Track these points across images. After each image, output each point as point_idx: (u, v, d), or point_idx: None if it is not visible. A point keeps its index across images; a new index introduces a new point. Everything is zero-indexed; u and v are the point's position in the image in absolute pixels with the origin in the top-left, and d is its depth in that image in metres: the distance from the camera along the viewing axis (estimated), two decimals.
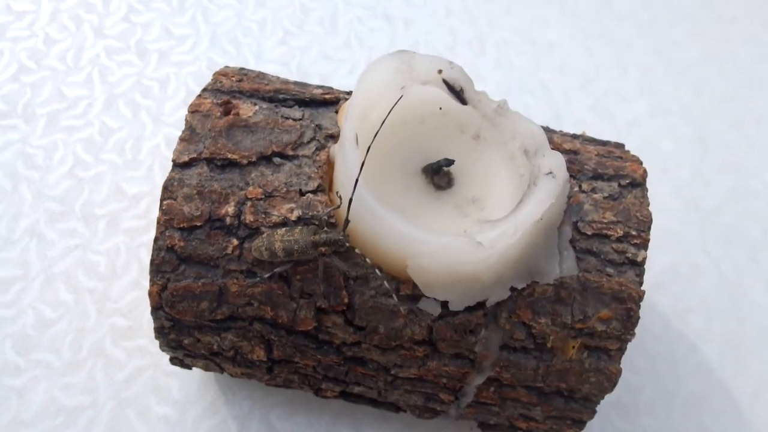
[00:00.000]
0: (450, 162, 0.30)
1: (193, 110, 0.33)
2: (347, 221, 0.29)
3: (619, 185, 0.33)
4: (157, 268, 0.31)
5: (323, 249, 0.29)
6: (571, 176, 0.33)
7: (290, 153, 0.32)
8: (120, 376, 0.42)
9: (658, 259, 0.47)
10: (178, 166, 0.32)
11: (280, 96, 0.34)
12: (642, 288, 0.31)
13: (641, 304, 0.30)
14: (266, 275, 0.30)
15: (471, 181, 0.31)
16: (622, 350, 0.31)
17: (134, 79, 0.52)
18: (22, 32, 0.53)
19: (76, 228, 0.46)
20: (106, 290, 0.44)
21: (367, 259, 0.30)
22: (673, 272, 0.48)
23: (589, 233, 0.31)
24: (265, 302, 0.31)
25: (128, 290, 0.44)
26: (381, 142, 0.30)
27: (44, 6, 0.54)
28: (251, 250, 0.31)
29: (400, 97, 0.29)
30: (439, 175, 0.31)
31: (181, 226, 0.31)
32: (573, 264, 0.31)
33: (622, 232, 0.31)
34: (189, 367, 0.38)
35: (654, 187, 0.39)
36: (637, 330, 0.31)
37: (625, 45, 0.58)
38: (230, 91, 0.34)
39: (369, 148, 0.28)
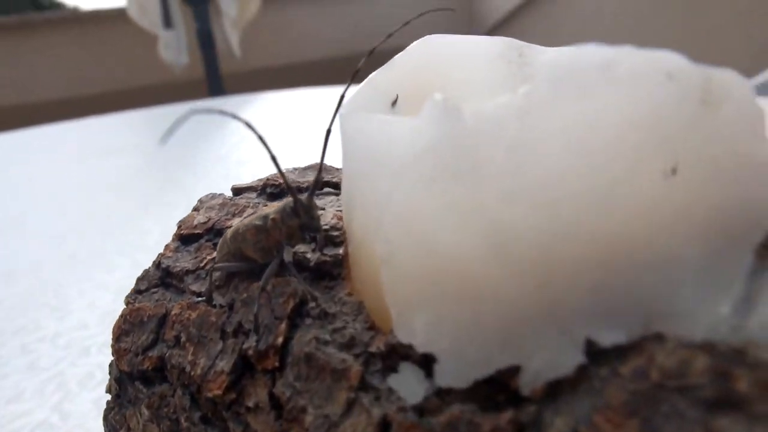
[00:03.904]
0: None
1: (294, 168, 0.27)
2: (317, 180, 0.18)
3: None
4: (137, 286, 0.23)
5: (274, 219, 0.18)
6: None
7: None
8: None
9: None
10: (233, 191, 0.25)
11: None
12: None
13: None
14: (210, 278, 0.19)
15: None
16: None
17: None
18: None
19: None
20: None
21: (343, 295, 0.17)
22: None
23: None
24: (193, 336, 0.19)
25: None
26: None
27: None
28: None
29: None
30: None
31: (182, 233, 0.23)
32: None
33: None
34: None
35: None
36: None
37: None
38: None
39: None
